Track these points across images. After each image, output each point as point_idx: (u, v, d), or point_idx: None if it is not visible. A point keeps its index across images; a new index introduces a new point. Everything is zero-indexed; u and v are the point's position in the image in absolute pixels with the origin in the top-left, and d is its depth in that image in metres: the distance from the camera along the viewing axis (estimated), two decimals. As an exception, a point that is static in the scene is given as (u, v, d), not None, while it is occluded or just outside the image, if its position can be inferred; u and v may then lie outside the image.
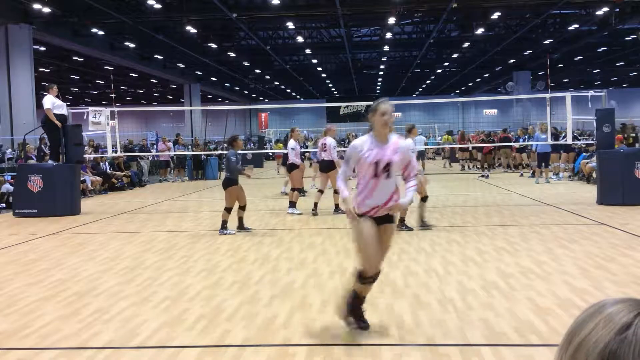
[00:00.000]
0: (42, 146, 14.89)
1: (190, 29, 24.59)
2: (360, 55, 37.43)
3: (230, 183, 8.73)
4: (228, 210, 8.81)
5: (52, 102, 11.51)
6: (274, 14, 23.05)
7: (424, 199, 8.62)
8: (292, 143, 11.46)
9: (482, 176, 18.67)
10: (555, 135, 16.84)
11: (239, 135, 9.48)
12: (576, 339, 0.73)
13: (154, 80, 44.60)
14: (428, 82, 49.37)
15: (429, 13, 24.85)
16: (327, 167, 10.81)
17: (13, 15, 20.98)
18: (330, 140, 10.85)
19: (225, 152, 13.91)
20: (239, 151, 8.99)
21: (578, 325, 0.74)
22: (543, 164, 16.22)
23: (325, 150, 10.84)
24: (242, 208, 8.94)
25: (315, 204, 10.73)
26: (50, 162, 11.84)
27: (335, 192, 10.72)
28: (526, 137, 19.48)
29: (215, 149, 30.87)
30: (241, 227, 8.98)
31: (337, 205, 10.69)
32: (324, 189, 10.97)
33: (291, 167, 11.28)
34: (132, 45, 28.61)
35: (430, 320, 4.42)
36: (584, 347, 0.71)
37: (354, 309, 4.23)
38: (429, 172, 21.54)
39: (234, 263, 6.72)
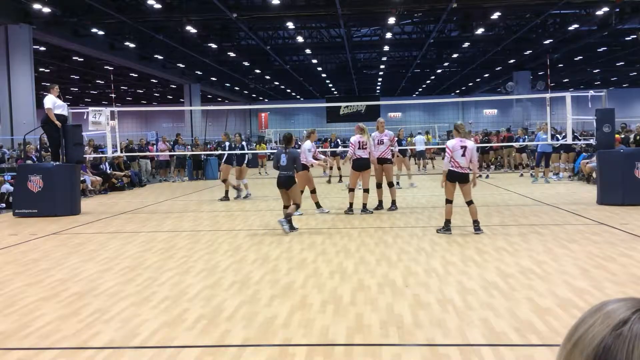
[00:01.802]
0: (41, 149, 14.83)
1: (190, 29, 24.60)
2: (360, 55, 37.44)
3: (292, 181, 8.84)
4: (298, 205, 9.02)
5: (53, 102, 11.50)
6: (274, 14, 23.06)
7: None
8: (307, 144, 11.47)
9: (481, 176, 18.66)
10: (555, 136, 16.84)
11: (292, 134, 9.69)
12: (575, 335, 0.74)
13: (154, 80, 44.60)
14: (428, 82, 49.40)
15: (429, 13, 24.87)
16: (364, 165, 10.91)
17: (13, 15, 20.98)
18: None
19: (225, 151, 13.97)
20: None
21: (578, 323, 0.75)
22: (543, 164, 16.23)
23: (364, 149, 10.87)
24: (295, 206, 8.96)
25: (364, 205, 10.80)
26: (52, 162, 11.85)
27: (366, 191, 10.76)
28: (526, 137, 19.43)
29: (216, 148, 30.81)
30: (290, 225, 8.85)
31: (364, 205, 10.71)
32: (366, 187, 10.87)
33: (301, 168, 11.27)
34: (132, 45, 28.60)
35: (430, 320, 4.42)
36: (580, 343, 0.72)
37: None
38: (431, 172, 21.55)
39: (234, 263, 6.72)
